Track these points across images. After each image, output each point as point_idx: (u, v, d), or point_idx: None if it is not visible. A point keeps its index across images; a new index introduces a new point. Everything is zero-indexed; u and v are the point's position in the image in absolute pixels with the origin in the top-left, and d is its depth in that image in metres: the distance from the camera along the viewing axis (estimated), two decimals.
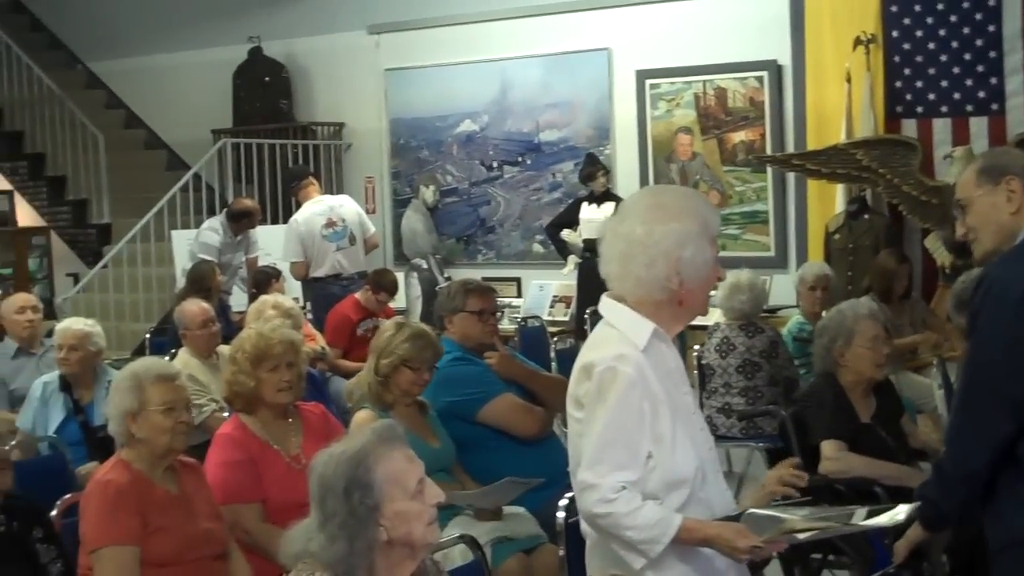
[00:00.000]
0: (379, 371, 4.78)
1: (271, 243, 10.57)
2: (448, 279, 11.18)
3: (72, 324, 6.36)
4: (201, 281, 8.90)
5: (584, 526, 3.33)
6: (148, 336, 9.82)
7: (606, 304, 3.31)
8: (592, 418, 3.15)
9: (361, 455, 2.82)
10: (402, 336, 4.80)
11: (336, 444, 2.88)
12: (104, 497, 3.97)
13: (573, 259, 10.42)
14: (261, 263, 10.08)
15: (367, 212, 11.05)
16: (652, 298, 3.22)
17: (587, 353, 3.26)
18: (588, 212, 10.22)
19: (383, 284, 8.78)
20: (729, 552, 3.11)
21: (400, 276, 11.25)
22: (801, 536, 3.20)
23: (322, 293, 9.94)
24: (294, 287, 10.11)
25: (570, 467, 3.33)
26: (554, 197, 11.43)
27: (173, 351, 7.46)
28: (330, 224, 10.13)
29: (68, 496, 4.41)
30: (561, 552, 3.84)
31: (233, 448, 4.50)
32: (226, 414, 5.87)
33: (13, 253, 13.27)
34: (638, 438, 3.12)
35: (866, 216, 9.14)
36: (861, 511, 3.31)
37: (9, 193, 13.73)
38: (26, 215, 13.65)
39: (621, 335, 3.21)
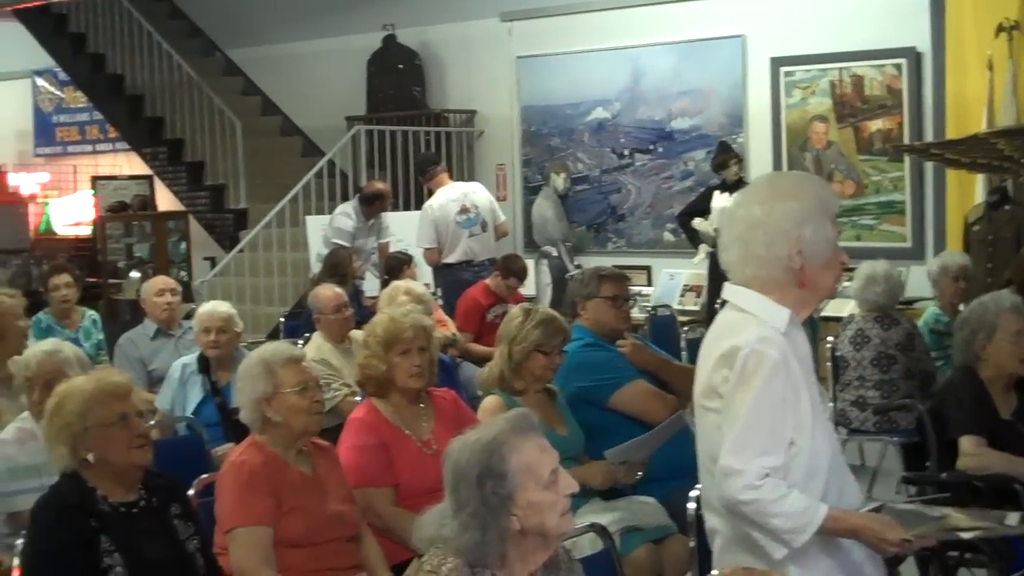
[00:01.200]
0: (512, 357, 4.79)
1: (402, 229, 10.65)
2: (578, 267, 11.17)
3: (218, 307, 6.47)
4: (337, 267, 9.01)
5: (711, 521, 3.28)
6: (282, 320, 9.98)
7: (733, 291, 3.26)
8: (734, 403, 3.09)
9: (495, 444, 2.82)
10: (532, 322, 4.79)
11: (471, 432, 2.89)
12: (238, 478, 4.03)
13: (704, 248, 10.33)
14: (393, 249, 10.16)
15: (498, 199, 11.07)
16: (774, 280, 3.16)
17: (724, 340, 3.20)
18: (720, 201, 10.11)
19: (513, 269, 8.80)
20: (876, 544, 3.03)
21: (530, 263, 11.29)
22: (964, 535, 3.12)
23: (453, 279, 10.00)
24: (425, 273, 10.17)
25: (699, 460, 3.30)
26: (685, 185, 11.35)
27: (307, 335, 7.56)
28: (464, 210, 10.19)
29: (205, 476, 4.50)
30: (692, 544, 3.81)
31: (365, 432, 4.54)
32: (358, 398, 5.95)
33: (153, 237, 13.61)
34: (782, 423, 3.06)
35: (1007, 207, 8.89)
36: (1014, 515, 3.23)
37: (149, 178, 14.08)
38: (166, 200, 13.98)
39: (758, 320, 3.16)
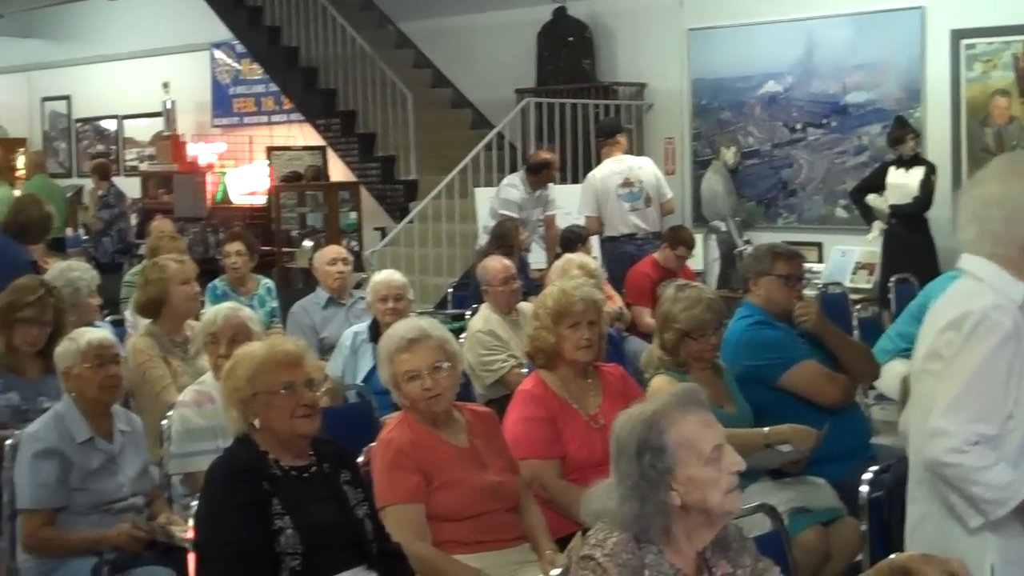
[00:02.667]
0: (664, 345, 4.74)
1: (570, 202, 10.63)
2: (747, 242, 11.04)
3: (393, 275, 6.57)
4: (504, 238, 9.05)
5: (912, 491, 3.22)
6: (450, 291, 10.06)
7: (970, 260, 3.23)
8: (956, 365, 3.06)
9: (655, 417, 2.81)
10: (679, 306, 4.70)
11: (637, 405, 2.87)
12: (385, 456, 4.07)
13: (878, 225, 10.09)
14: (560, 222, 10.16)
15: (666, 173, 10.98)
16: (1010, 257, 3.13)
17: (955, 306, 3.17)
18: (895, 177, 9.87)
19: (680, 239, 8.73)
20: None
21: (699, 238, 11.18)
22: None
23: (616, 252, 9.96)
24: (596, 248, 10.15)
25: (909, 426, 3.24)
26: (859, 160, 11.09)
27: (474, 306, 7.61)
28: (626, 184, 10.13)
29: (373, 444, 4.56)
30: (863, 527, 3.73)
31: (533, 404, 4.54)
32: (525, 371, 5.97)
33: (325, 207, 13.84)
34: (1002, 394, 3.02)
35: None
36: None
37: (323, 149, 14.30)
38: (338, 170, 14.19)
39: (994, 289, 3.13)
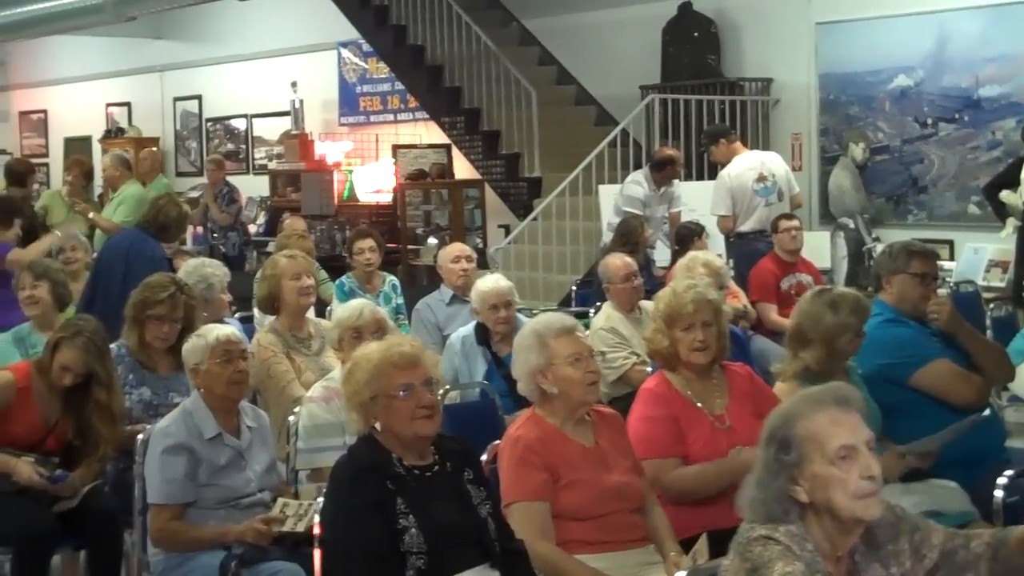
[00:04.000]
0: (838, 352, 4.67)
1: (694, 199, 10.55)
2: (876, 240, 10.85)
3: (499, 282, 6.46)
4: (629, 235, 9.02)
5: None
6: (574, 288, 10.04)
7: None
8: None
9: (789, 411, 2.79)
10: (845, 311, 4.66)
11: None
12: (513, 453, 4.06)
13: (1012, 222, 9.83)
14: (684, 219, 10.08)
15: (793, 170, 10.85)
16: None
17: None
18: None
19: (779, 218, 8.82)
20: None
21: (826, 235, 11.03)
22: None
23: (746, 249, 9.84)
24: (717, 244, 10.06)
25: None
26: (993, 156, 10.82)
27: (597, 304, 7.59)
28: (761, 178, 10.02)
29: (496, 443, 4.55)
30: None
31: (656, 404, 4.50)
32: (648, 369, 5.93)
33: (450, 204, 13.91)
34: None
35: None
36: None
37: (447, 147, 14.37)
38: (462, 168, 14.24)
39: None
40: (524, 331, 4.28)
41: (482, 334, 6.36)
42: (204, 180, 17.30)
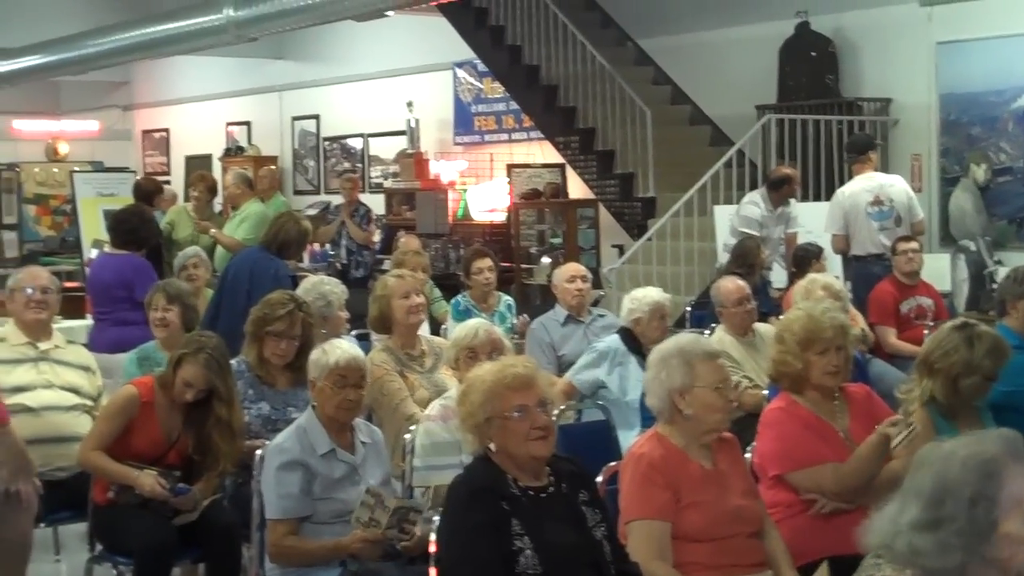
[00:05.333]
0: (962, 391, 4.59)
1: (812, 220, 10.42)
2: (998, 263, 10.63)
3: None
4: (745, 257, 8.95)
5: None
6: (688, 309, 9.99)
7: None
8: None
9: (993, 466, 2.60)
10: (980, 351, 4.58)
11: (953, 442, 2.68)
12: (637, 470, 4.05)
13: None
14: (801, 240, 9.97)
15: (913, 191, 10.67)
16: None
17: None
18: None
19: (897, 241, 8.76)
20: None
21: (946, 258, 10.83)
22: None
23: (863, 272, 9.69)
24: (834, 266, 9.93)
25: None
26: None
27: (712, 325, 7.54)
28: (877, 202, 9.84)
29: (612, 464, 4.55)
30: None
31: (790, 421, 4.52)
32: (765, 392, 5.87)
33: (564, 224, 13.93)
34: None
35: None
36: None
37: (562, 167, 14.39)
38: (576, 188, 14.25)
39: None
40: (668, 347, 4.26)
41: (632, 341, 6.38)
42: (321, 198, 17.59)
